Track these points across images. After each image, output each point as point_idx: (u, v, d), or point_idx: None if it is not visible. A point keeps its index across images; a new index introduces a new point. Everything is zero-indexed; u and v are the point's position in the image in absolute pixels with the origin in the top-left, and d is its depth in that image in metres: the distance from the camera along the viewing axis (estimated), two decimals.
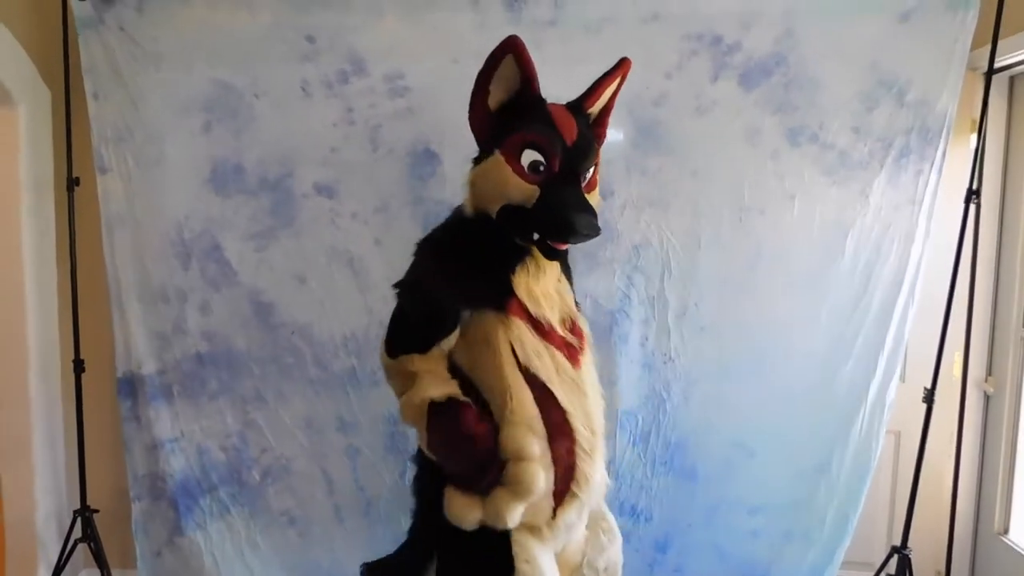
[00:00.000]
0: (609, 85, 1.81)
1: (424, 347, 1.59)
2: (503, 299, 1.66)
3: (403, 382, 1.64)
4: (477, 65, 2.42)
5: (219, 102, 2.50)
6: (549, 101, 1.73)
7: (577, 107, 1.76)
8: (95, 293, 2.63)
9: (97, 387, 2.70)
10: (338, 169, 2.52)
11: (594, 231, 1.61)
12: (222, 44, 2.48)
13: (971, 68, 2.41)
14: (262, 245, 2.56)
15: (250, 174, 2.54)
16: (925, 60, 2.38)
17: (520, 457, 1.55)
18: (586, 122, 1.77)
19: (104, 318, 2.61)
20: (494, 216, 1.66)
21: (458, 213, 1.77)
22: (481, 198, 1.68)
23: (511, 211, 1.63)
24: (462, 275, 1.66)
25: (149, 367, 2.61)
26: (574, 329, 1.77)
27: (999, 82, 2.51)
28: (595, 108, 1.81)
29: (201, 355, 2.60)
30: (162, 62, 2.49)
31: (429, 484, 1.73)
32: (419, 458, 1.84)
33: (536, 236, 1.64)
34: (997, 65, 2.33)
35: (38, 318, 2.67)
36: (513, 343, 1.62)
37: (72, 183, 2.54)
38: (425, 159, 2.49)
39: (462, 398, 1.58)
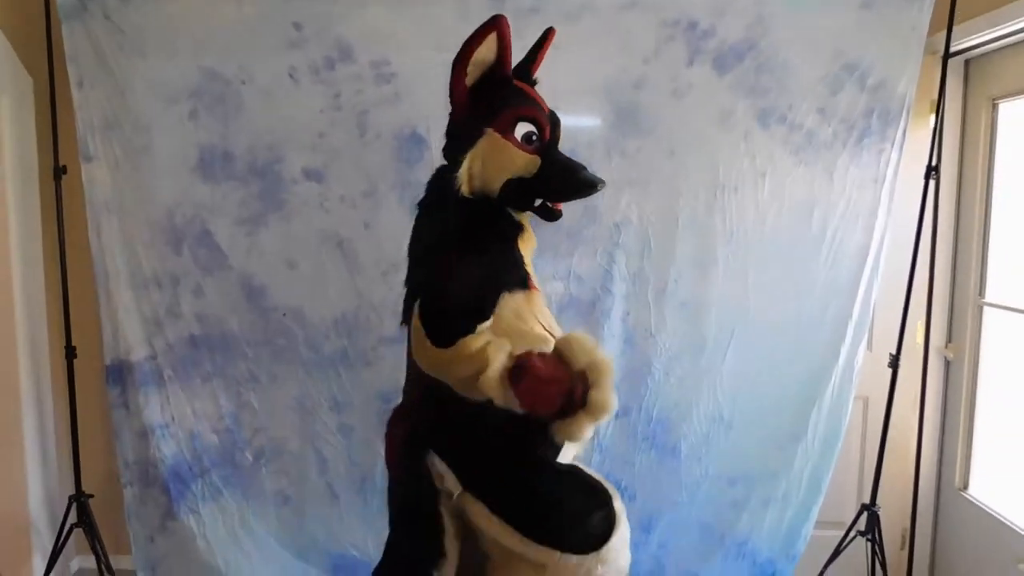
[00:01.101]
0: (546, 51, 1.86)
1: (472, 329, 1.60)
2: (524, 275, 1.73)
3: (465, 365, 1.59)
4: None
5: (206, 89, 2.53)
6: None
7: (528, 77, 1.81)
8: (84, 281, 2.65)
9: (88, 374, 2.72)
10: (326, 154, 2.57)
11: (603, 183, 1.70)
12: (208, 32, 2.51)
13: (929, 52, 2.54)
14: (252, 230, 2.61)
15: (238, 160, 2.58)
16: (885, 45, 2.51)
17: (593, 361, 1.59)
18: None
19: (94, 305, 2.63)
20: (496, 193, 1.69)
21: (455, 198, 1.69)
22: (483, 178, 1.68)
23: (515, 184, 1.68)
24: (493, 260, 1.69)
25: (139, 353, 2.64)
26: None
27: (955, 65, 2.65)
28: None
29: (195, 337, 2.64)
30: (148, 50, 2.51)
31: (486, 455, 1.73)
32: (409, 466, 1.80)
33: (537, 203, 1.72)
34: (953, 49, 2.47)
35: (26, 307, 2.69)
36: (537, 315, 1.70)
37: (59, 171, 2.55)
38: (412, 143, 2.55)
39: (523, 351, 1.60)
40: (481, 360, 1.56)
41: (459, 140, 1.69)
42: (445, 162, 1.76)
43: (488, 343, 1.58)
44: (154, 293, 2.63)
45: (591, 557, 1.65)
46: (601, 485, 1.75)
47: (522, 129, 1.67)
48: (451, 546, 1.68)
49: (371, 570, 2.65)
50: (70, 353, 2.60)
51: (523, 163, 1.68)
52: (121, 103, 2.54)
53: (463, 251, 1.68)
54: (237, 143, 2.57)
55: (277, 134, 2.57)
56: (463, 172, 1.66)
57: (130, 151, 2.57)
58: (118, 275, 2.60)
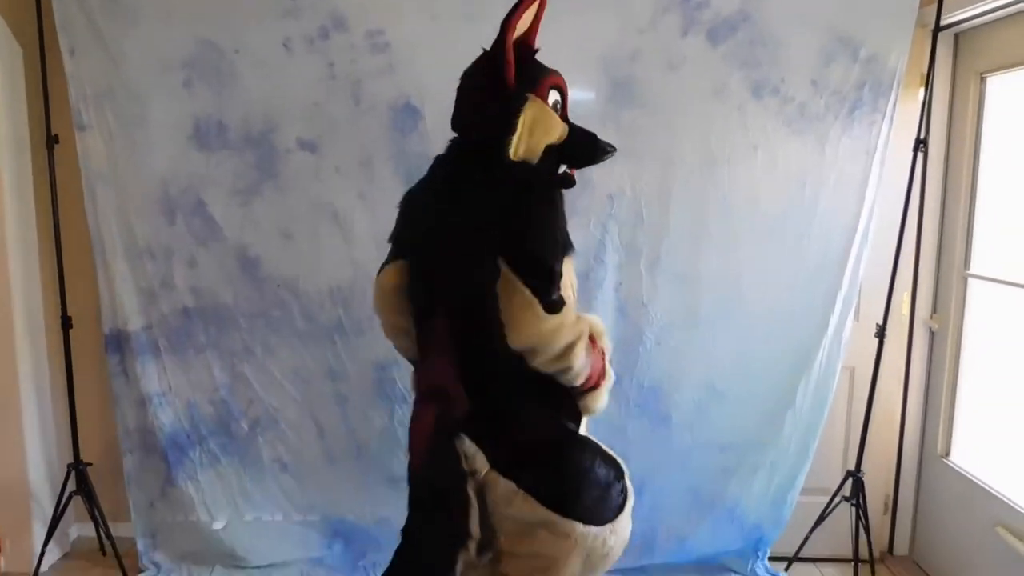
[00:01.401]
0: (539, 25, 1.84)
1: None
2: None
3: (568, 333, 1.64)
4: (456, 22, 2.49)
5: (200, 59, 2.53)
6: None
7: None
8: (80, 251, 2.65)
9: (86, 344, 2.73)
10: (321, 124, 2.57)
11: (616, 149, 1.79)
12: (202, 1, 2.50)
13: (919, 25, 2.56)
14: (247, 200, 2.62)
15: (233, 130, 2.58)
16: (877, 19, 2.52)
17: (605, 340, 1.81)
18: None
19: (91, 275, 2.64)
20: (536, 159, 1.69)
21: (506, 163, 1.65)
22: (532, 143, 1.67)
23: (551, 149, 1.70)
24: (563, 224, 1.74)
25: (135, 323, 2.66)
26: None
27: (945, 39, 2.67)
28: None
29: (188, 309, 2.66)
30: (140, 18, 2.50)
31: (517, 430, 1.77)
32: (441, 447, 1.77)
33: (562, 169, 1.75)
34: (943, 23, 2.50)
35: (22, 277, 2.69)
36: (573, 281, 1.76)
37: (51, 141, 2.54)
38: (406, 114, 2.55)
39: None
40: (580, 327, 1.65)
41: (502, 105, 1.65)
42: (454, 133, 1.78)
43: (571, 311, 1.66)
44: (148, 264, 2.64)
45: (607, 528, 1.74)
46: (616, 459, 1.83)
47: (552, 98, 1.71)
48: (475, 526, 1.70)
49: (368, 534, 2.72)
50: (66, 323, 2.61)
51: (560, 130, 1.71)
52: (114, 72, 2.53)
53: (544, 216, 1.69)
54: (231, 113, 2.57)
55: (271, 104, 2.56)
56: (517, 137, 1.64)
57: (124, 120, 2.56)
58: (114, 245, 2.61)
